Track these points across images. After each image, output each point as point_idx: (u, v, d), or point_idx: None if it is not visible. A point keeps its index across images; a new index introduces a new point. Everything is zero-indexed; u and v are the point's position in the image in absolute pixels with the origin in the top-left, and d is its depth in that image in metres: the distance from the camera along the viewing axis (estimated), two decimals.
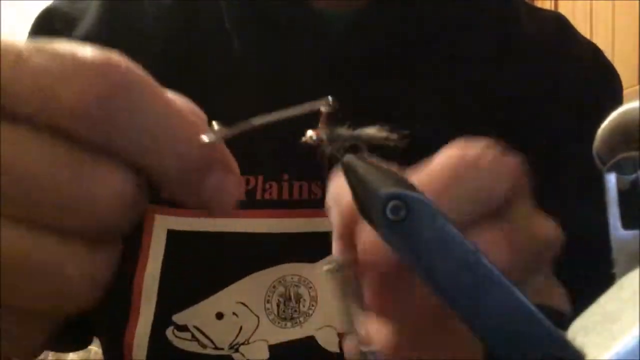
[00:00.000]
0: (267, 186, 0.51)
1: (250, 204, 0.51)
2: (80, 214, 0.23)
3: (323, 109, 0.27)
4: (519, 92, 0.56)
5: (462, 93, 0.55)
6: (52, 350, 0.62)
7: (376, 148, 0.26)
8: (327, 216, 0.51)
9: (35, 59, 0.23)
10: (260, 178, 0.51)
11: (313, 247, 0.50)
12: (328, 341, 0.49)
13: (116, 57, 0.24)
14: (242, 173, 0.52)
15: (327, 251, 0.50)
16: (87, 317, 0.55)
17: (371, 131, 0.24)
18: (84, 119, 0.23)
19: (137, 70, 0.25)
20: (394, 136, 0.25)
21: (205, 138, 0.25)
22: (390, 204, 0.18)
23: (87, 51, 0.24)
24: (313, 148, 0.27)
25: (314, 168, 0.52)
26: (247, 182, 0.51)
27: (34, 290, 0.23)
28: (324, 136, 0.24)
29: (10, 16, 2.20)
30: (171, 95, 0.26)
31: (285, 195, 0.51)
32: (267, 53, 0.54)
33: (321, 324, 0.50)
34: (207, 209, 0.26)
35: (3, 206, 0.22)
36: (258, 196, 0.51)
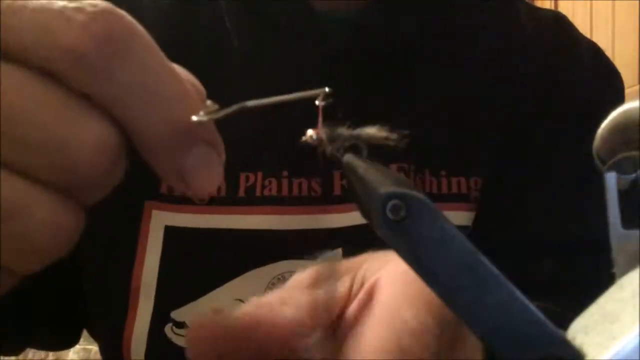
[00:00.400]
0: (267, 182, 0.51)
1: (250, 200, 0.51)
2: (53, 157, 0.22)
3: (318, 101, 0.26)
4: (519, 92, 0.56)
5: (462, 93, 0.55)
6: (38, 348, 0.62)
7: (376, 148, 0.26)
8: (326, 213, 0.51)
9: None
10: (260, 174, 0.51)
11: (312, 243, 0.50)
12: None
13: (119, 9, 0.24)
14: (242, 170, 0.52)
15: (326, 248, 0.50)
16: (77, 314, 0.55)
17: (371, 131, 0.24)
18: (78, 61, 0.22)
19: (139, 27, 0.24)
20: (394, 136, 0.25)
21: (196, 117, 0.24)
22: (390, 204, 0.18)
23: None
24: (313, 147, 0.27)
25: (314, 165, 0.52)
26: (247, 179, 0.51)
27: None
28: (324, 136, 0.24)
29: None
30: (171, 63, 0.25)
31: (285, 192, 0.51)
32: (267, 53, 0.54)
33: None
34: (183, 188, 0.25)
35: None
36: (257, 192, 0.51)
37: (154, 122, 0.23)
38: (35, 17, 0.22)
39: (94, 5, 0.23)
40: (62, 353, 1.83)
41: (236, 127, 0.52)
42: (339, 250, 0.50)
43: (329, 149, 0.26)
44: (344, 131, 0.25)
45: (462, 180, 0.53)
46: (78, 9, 0.22)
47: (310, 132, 0.27)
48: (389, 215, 0.18)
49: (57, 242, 0.23)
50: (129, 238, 0.51)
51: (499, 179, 0.54)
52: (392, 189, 0.18)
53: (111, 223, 0.51)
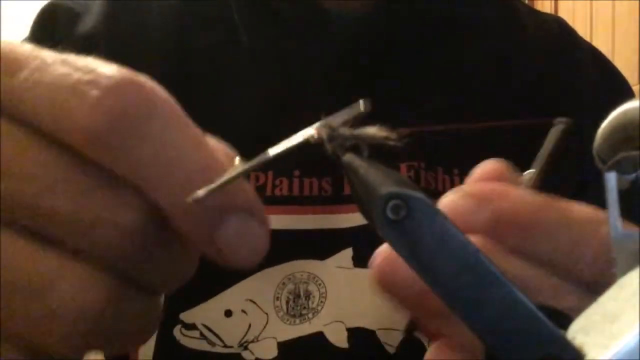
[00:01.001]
0: (277, 182, 0.51)
1: (260, 200, 0.51)
2: (76, 231, 0.21)
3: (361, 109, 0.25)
4: (524, 94, 0.56)
5: (468, 93, 0.55)
6: None
7: (378, 147, 0.26)
8: (336, 213, 0.51)
9: (54, 69, 0.22)
10: (270, 174, 0.51)
11: (322, 243, 0.50)
12: (337, 337, 0.49)
13: (139, 77, 0.22)
14: (253, 170, 0.53)
15: (336, 248, 0.50)
16: None
17: (372, 131, 0.24)
18: (93, 139, 0.21)
19: (162, 93, 0.23)
20: (395, 135, 0.25)
21: (200, 192, 0.22)
22: (391, 204, 0.18)
23: (108, 68, 0.22)
24: (314, 147, 0.27)
25: (324, 164, 0.52)
26: (257, 179, 0.51)
27: (25, 308, 0.21)
28: (324, 135, 0.24)
29: (11, 16, 2.20)
30: (200, 132, 0.23)
31: (296, 191, 0.51)
32: (276, 51, 0.54)
33: (330, 319, 0.50)
34: (223, 260, 0.23)
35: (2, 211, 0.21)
36: (268, 192, 0.51)
37: (178, 197, 0.22)
38: (49, 95, 0.21)
39: (110, 77, 0.22)
40: None
41: (247, 126, 0.52)
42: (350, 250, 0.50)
43: (329, 149, 0.26)
44: (344, 131, 0.25)
45: None
46: (92, 83, 0.21)
47: (310, 131, 0.27)
48: (390, 215, 0.18)
49: (86, 315, 0.21)
50: None
51: None
52: (393, 188, 0.18)
53: None
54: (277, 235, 0.51)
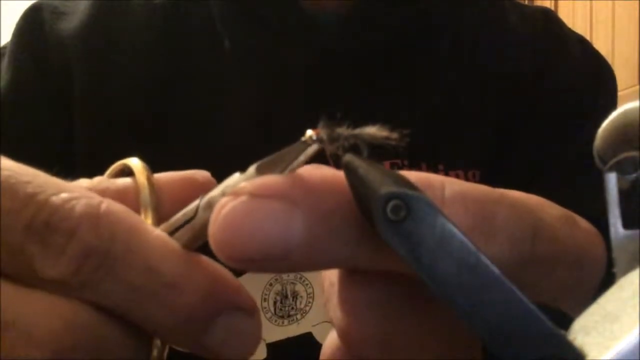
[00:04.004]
0: None
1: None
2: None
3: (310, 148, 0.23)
4: (510, 87, 0.56)
5: (454, 88, 0.55)
6: None
7: (376, 147, 0.26)
8: None
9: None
10: None
11: None
12: (325, 337, 0.50)
13: (106, 205, 0.21)
14: (236, 170, 0.53)
15: None
16: None
17: (372, 131, 0.24)
18: (64, 284, 0.20)
19: (126, 219, 0.21)
20: (395, 135, 0.25)
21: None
22: (391, 204, 0.18)
23: (69, 191, 0.21)
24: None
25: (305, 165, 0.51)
26: None
27: None
28: (324, 136, 0.24)
29: (10, 16, 2.19)
30: (164, 237, 0.22)
31: None
32: (258, 53, 0.54)
33: (318, 320, 0.50)
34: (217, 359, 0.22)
35: None
36: None
37: (160, 318, 0.21)
38: (11, 243, 0.20)
39: (70, 217, 0.20)
40: None
41: (226, 125, 0.52)
42: None
43: (329, 149, 0.26)
44: (344, 131, 0.25)
45: (460, 173, 0.53)
46: (54, 230, 0.20)
47: (309, 132, 0.27)
48: (390, 215, 0.18)
49: None
50: None
51: (499, 170, 0.54)
52: (393, 189, 0.18)
53: None
54: None
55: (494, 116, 0.55)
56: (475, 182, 0.52)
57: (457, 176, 0.53)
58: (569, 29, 0.63)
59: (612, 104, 0.58)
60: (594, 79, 0.59)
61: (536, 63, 0.57)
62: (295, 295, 0.50)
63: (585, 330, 0.18)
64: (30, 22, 0.57)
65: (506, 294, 0.18)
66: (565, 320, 0.19)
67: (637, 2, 2.11)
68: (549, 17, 0.62)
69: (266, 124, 0.52)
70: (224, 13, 0.55)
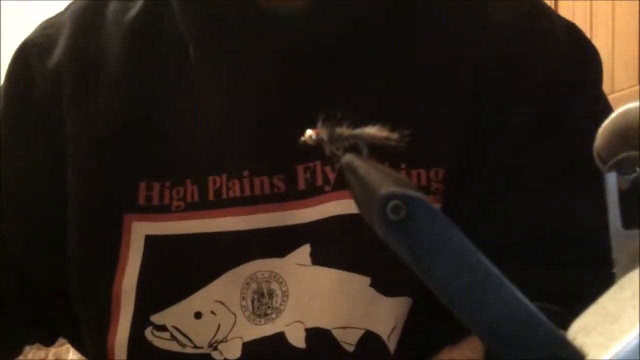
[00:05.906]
0: (231, 184, 0.52)
1: (218, 203, 0.52)
2: None
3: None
4: (487, 83, 0.54)
5: (419, 85, 0.54)
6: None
7: (375, 148, 0.26)
8: (291, 209, 0.51)
9: None
10: (224, 176, 0.52)
11: (279, 241, 0.51)
12: (295, 337, 0.50)
13: None
14: (209, 173, 0.54)
15: (294, 244, 0.50)
16: (52, 318, 0.57)
17: (371, 131, 0.24)
18: None
19: None
20: (395, 136, 0.25)
21: None
22: (390, 204, 0.18)
23: None
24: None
25: (275, 162, 0.52)
26: (214, 182, 0.52)
27: None
28: (324, 136, 0.24)
29: (10, 16, 2.20)
30: None
31: (247, 192, 0.51)
32: (219, 54, 0.54)
33: (291, 319, 0.50)
34: None
35: None
36: (224, 195, 0.52)
37: None
38: None
39: None
40: (62, 353, 1.83)
41: (200, 131, 0.52)
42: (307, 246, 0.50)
43: (329, 149, 0.26)
44: (344, 131, 0.25)
45: (422, 172, 0.52)
46: None
47: (309, 132, 0.27)
48: (390, 215, 0.18)
49: None
50: (110, 250, 0.52)
51: (469, 168, 0.52)
52: (393, 189, 0.18)
53: (92, 237, 0.52)
54: (234, 237, 0.52)
55: (468, 113, 0.53)
56: (438, 180, 0.52)
57: (419, 175, 0.52)
58: (557, 15, 0.60)
59: (596, 97, 0.56)
60: (578, 70, 0.57)
61: (514, 57, 0.56)
62: (271, 294, 0.51)
63: (585, 330, 0.18)
64: (18, 65, 0.59)
65: (506, 294, 0.18)
66: (566, 321, 0.19)
67: (637, 2, 2.11)
68: (535, 5, 0.59)
69: (236, 124, 0.53)
70: (186, 16, 0.55)
